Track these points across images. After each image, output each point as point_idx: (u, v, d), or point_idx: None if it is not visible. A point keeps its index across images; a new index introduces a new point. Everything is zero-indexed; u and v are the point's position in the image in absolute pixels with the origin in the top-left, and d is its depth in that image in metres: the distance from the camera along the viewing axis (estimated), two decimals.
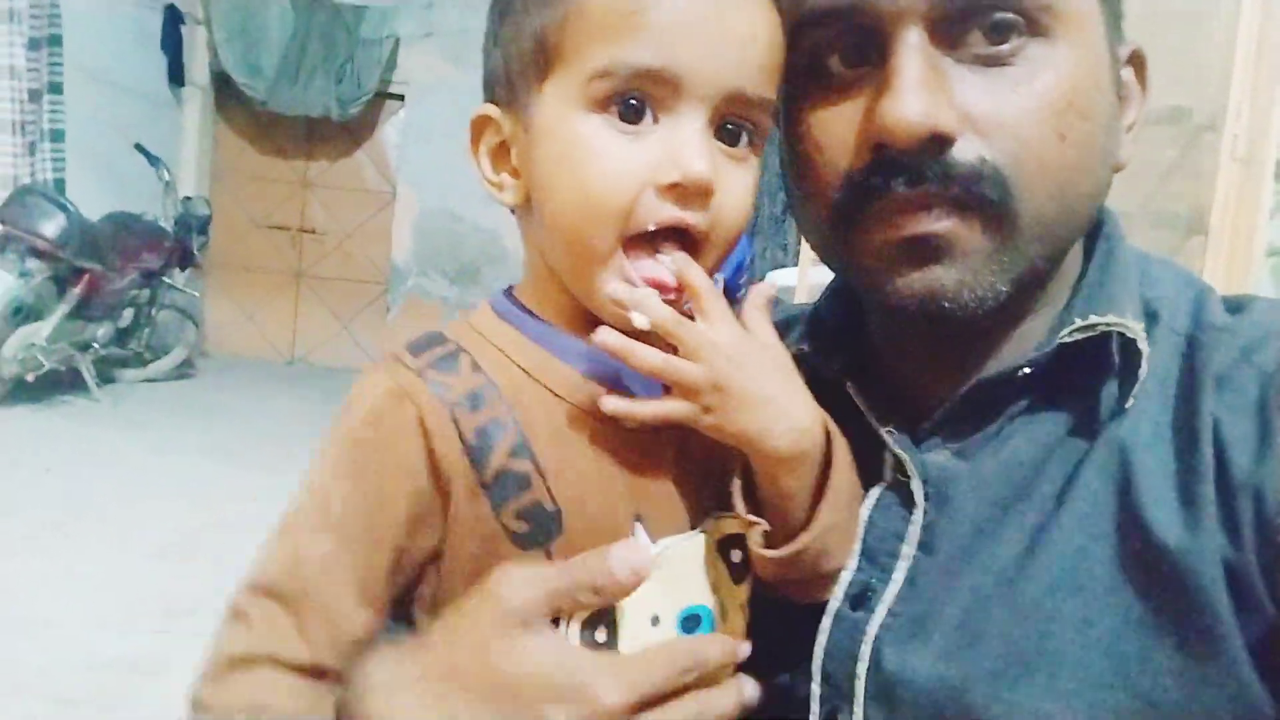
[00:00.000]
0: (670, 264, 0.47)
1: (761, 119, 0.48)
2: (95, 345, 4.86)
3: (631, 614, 0.46)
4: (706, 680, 0.46)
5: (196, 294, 5.78)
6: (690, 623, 0.47)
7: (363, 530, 0.45)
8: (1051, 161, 0.48)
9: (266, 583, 0.46)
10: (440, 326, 0.50)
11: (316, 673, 0.45)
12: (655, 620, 0.47)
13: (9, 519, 2.99)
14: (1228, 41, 1.55)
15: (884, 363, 0.58)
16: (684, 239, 0.47)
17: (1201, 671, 0.43)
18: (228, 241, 6.39)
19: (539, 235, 0.49)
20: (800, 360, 0.58)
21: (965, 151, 0.47)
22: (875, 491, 0.53)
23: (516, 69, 0.48)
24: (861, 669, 0.49)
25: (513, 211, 0.52)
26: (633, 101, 0.45)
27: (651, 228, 0.46)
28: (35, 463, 3.64)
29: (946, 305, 0.48)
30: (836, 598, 0.51)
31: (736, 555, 0.49)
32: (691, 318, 0.47)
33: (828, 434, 0.49)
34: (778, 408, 0.46)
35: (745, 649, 0.49)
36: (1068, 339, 0.50)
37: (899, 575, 0.50)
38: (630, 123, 0.45)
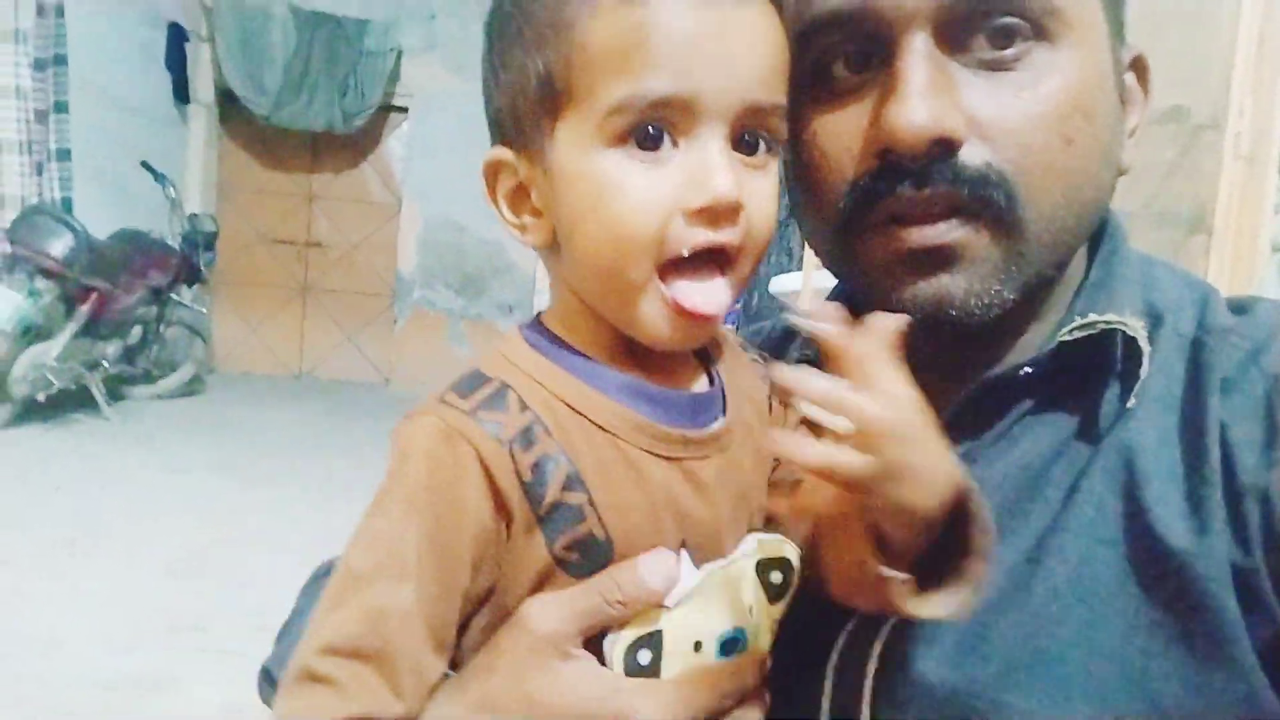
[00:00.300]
0: (711, 291, 0.46)
1: (777, 125, 0.48)
2: (104, 363, 4.88)
3: (675, 639, 0.46)
4: (741, 697, 0.47)
5: (204, 310, 5.80)
6: (728, 646, 0.47)
7: (437, 576, 0.44)
8: (1057, 166, 0.48)
9: (347, 643, 0.43)
10: (478, 360, 0.49)
11: None
12: (698, 646, 0.47)
13: (19, 537, 3.00)
14: (1228, 40, 1.55)
15: None
16: (718, 257, 0.46)
17: (1209, 676, 0.43)
18: (234, 257, 6.42)
19: (569, 271, 0.48)
20: (809, 365, 0.57)
21: (972, 156, 0.47)
22: None
23: (524, 110, 0.47)
24: (870, 670, 0.49)
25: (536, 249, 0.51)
26: (650, 130, 0.44)
27: (685, 253, 0.45)
28: (45, 481, 3.66)
29: (954, 313, 0.48)
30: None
31: (776, 577, 0.49)
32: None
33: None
34: (931, 475, 0.41)
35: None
36: (1068, 338, 0.50)
37: None
38: (649, 150, 0.44)
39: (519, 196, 0.49)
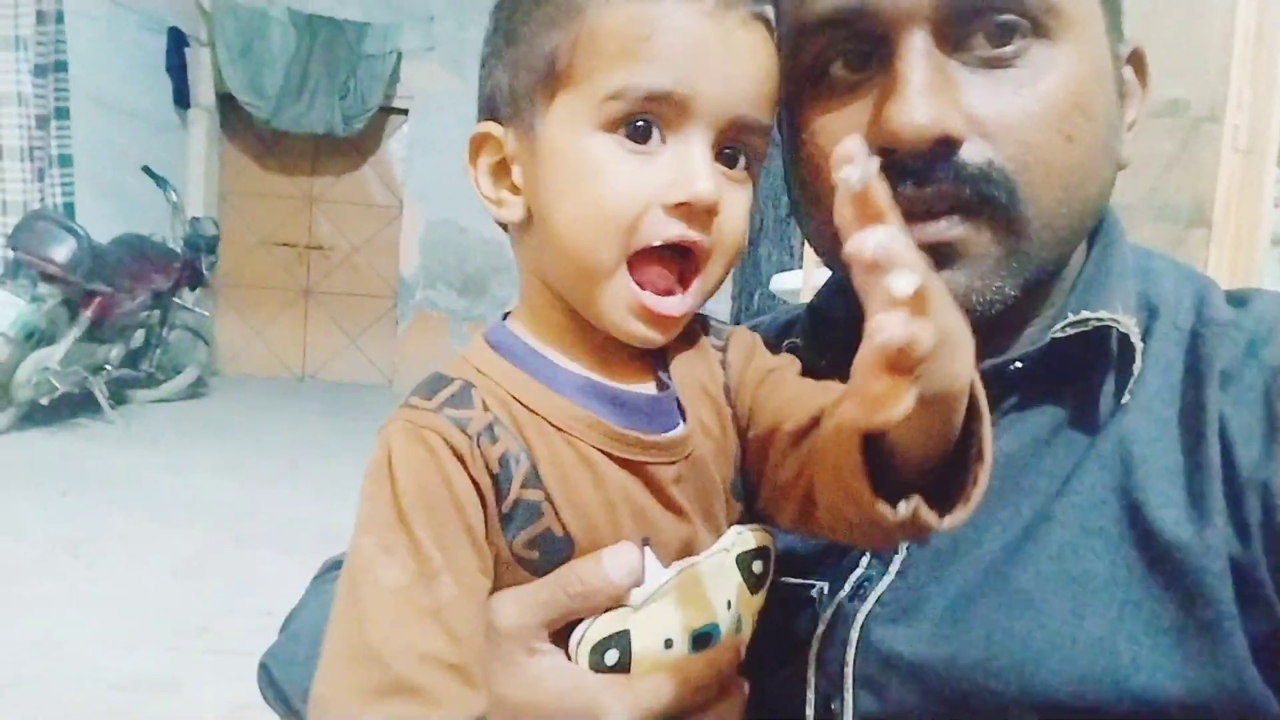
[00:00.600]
0: (674, 296, 0.46)
1: (759, 144, 0.49)
2: (108, 367, 4.89)
3: (644, 639, 0.46)
4: (715, 690, 0.47)
5: (206, 313, 5.81)
6: (702, 640, 0.48)
7: (461, 562, 0.44)
8: (1058, 162, 0.48)
9: (425, 652, 0.42)
10: (443, 365, 0.49)
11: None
12: (669, 643, 0.47)
13: (24, 540, 3.00)
14: (1226, 32, 1.55)
15: None
16: (685, 257, 0.47)
17: (1200, 669, 0.43)
18: (236, 260, 6.43)
19: (538, 253, 0.50)
20: (796, 354, 0.58)
21: (973, 154, 0.47)
22: None
23: (523, 88, 0.48)
24: (850, 654, 0.49)
25: (505, 229, 0.52)
26: (640, 123, 0.45)
27: (657, 243, 0.46)
28: (50, 484, 3.66)
29: None
30: (842, 590, 0.52)
31: (758, 566, 0.50)
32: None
33: None
34: (967, 342, 0.36)
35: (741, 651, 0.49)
36: (1059, 334, 0.50)
37: (893, 567, 0.51)
38: (639, 142, 0.46)
39: (500, 171, 0.50)
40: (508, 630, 0.45)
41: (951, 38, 0.48)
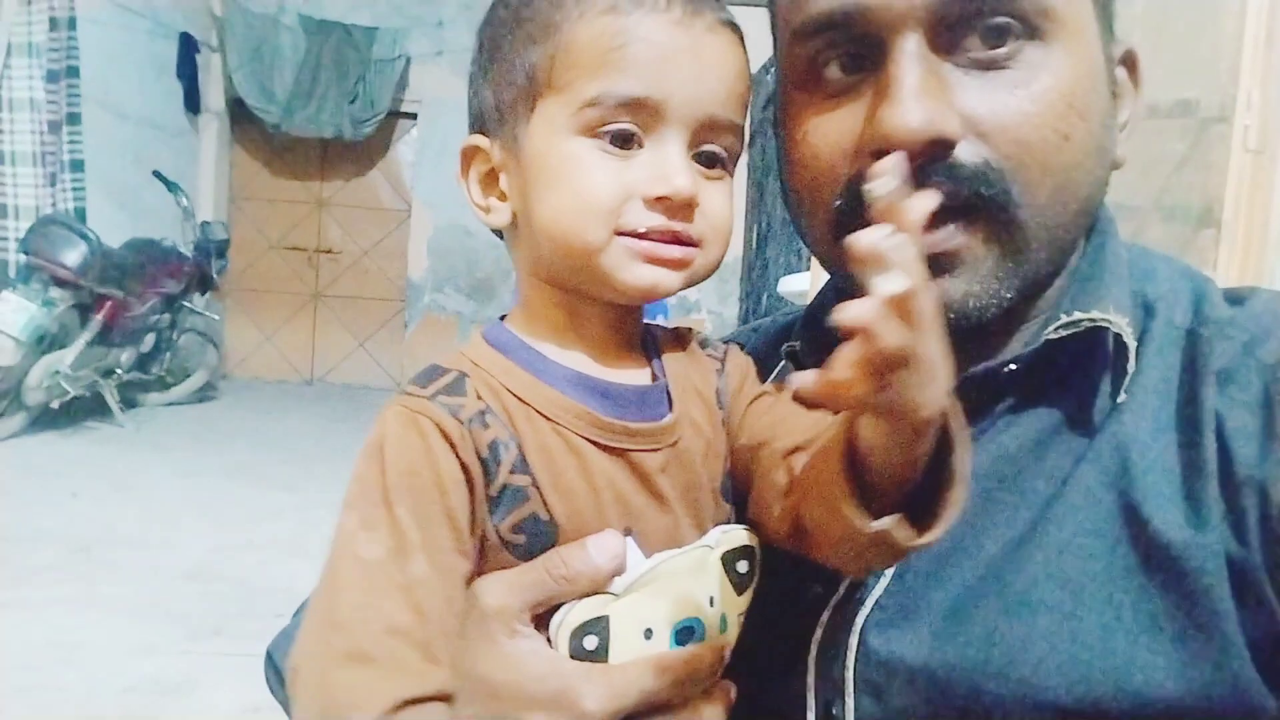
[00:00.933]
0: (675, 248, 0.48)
1: (733, 143, 0.51)
2: (118, 371, 4.92)
3: (623, 625, 0.46)
4: (696, 688, 0.47)
5: (216, 317, 5.84)
6: (684, 635, 0.48)
7: (439, 544, 0.45)
8: (1053, 162, 0.48)
9: (387, 625, 0.44)
10: (441, 357, 0.52)
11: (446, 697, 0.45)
12: (649, 633, 0.47)
13: (36, 544, 3.02)
14: (1236, 33, 1.54)
15: None
16: (679, 238, 0.49)
17: (1199, 669, 0.43)
18: (246, 264, 6.47)
19: (530, 250, 0.52)
20: (792, 358, 0.58)
21: (968, 154, 0.48)
22: None
23: (507, 101, 0.51)
24: (849, 659, 0.49)
25: (499, 235, 0.55)
26: (619, 130, 0.48)
27: (642, 229, 0.48)
28: (61, 488, 3.69)
29: (952, 316, 0.48)
30: (836, 593, 0.52)
31: (743, 566, 0.50)
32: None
33: None
34: (941, 374, 0.37)
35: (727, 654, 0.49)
36: (1053, 336, 0.50)
37: (890, 570, 0.51)
38: (617, 148, 0.48)
39: (489, 180, 0.53)
40: (492, 610, 0.46)
41: (945, 40, 0.48)
